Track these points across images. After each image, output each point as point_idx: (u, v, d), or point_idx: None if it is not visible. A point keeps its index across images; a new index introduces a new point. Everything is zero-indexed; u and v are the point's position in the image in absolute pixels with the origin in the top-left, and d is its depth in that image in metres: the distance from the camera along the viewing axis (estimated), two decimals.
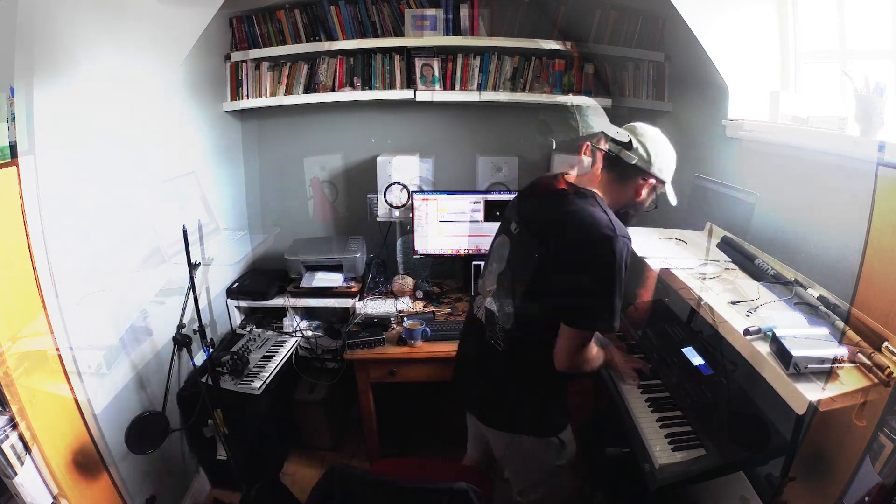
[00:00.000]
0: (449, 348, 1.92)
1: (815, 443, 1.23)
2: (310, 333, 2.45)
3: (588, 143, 1.77)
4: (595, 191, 1.34)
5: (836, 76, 1.60)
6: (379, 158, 2.49)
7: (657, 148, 1.32)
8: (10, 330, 1.27)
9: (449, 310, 2.34)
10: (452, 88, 2.49)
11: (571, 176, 1.41)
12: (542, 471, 1.52)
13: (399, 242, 2.63)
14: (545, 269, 1.29)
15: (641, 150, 1.30)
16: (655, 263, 1.58)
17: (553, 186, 1.40)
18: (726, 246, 1.61)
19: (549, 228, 1.33)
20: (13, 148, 1.27)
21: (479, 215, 2.46)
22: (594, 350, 1.40)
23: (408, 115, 2.65)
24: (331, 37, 2.41)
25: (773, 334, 1.12)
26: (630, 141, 1.31)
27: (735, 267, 1.51)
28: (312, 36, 2.43)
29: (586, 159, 1.51)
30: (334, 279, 2.43)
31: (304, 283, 2.43)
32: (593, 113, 2.26)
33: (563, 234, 1.28)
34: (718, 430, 1.33)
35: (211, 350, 1.82)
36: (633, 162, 1.30)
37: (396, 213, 2.51)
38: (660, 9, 2.20)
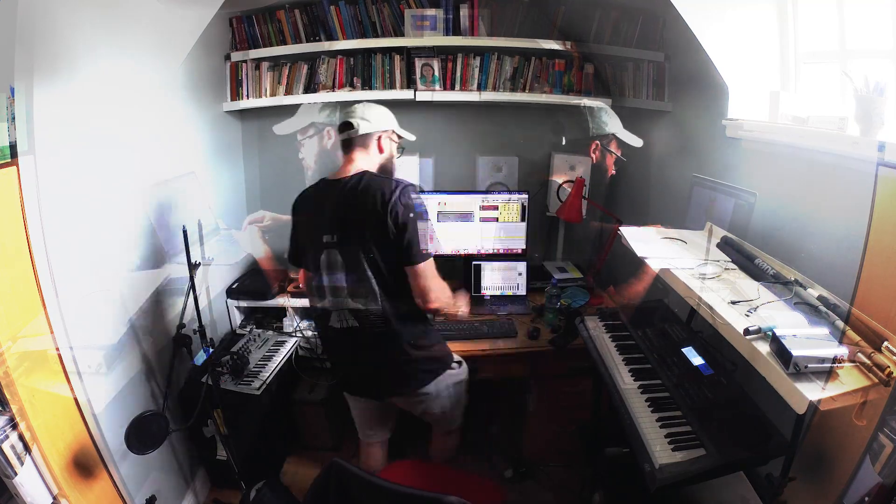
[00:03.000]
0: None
1: (815, 443, 1.23)
2: (310, 333, 2.45)
3: (598, 142, 2.21)
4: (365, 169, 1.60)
5: (836, 76, 1.60)
6: None
7: (370, 112, 1.61)
8: (10, 330, 1.27)
9: None
10: (452, 88, 2.49)
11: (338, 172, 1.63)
12: (458, 395, 1.80)
13: None
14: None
15: (360, 120, 1.59)
16: (655, 263, 1.58)
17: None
18: (726, 246, 1.61)
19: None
20: (13, 148, 1.27)
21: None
22: None
23: (408, 115, 2.64)
24: (331, 37, 2.41)
25: (773, 334, 1.12)
26: (350, 122, 1.59)
27: (735, 267, 1.51)
28: (312, 36, 2.43)
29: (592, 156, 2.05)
30: None
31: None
32: (606, 115, 2.29)
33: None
34: (718, 430, 1.33)
35: (211, 350, 1.82)
36: (361, 132, 1.58)
37: None
38: (660, 9, 2.20)
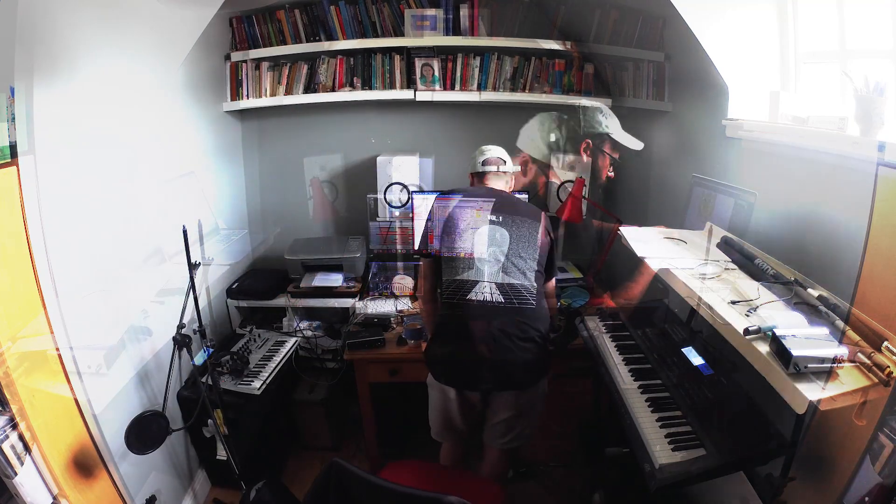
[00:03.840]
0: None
1: (815, 443, 1.23)
2: (310, 333, 2.45)
3: (589, 141, 2.20)
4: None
5: (836, 76, 1.60)
6: (379, 158, 2.49)
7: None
8: (10, 330, 1.27)
9: None
10: (452, 88, 2.49)
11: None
12: (540, 408, 1.80)
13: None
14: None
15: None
16: (655, 263, 1.58)
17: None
18: (726, 246, 1.61)
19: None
20: (13, 148, 1.27)
21: None
22: None
23: (408, 115, 2.65)
24: (331, 37, 2.41)
25: (773, 334, 1.12)
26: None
27: (735, 267, 1.51)
28: (312, 36, 2.43)
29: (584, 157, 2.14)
30: (334, 279, 2.43)
31: (304, 283, 2.43)
32: (601, 115, 2.21)
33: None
34: (718, 430, 1.33)
35: (211, 350, 1.82)
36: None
37: (396, 213, 2.51)
38: (660, 9, 2.19)
